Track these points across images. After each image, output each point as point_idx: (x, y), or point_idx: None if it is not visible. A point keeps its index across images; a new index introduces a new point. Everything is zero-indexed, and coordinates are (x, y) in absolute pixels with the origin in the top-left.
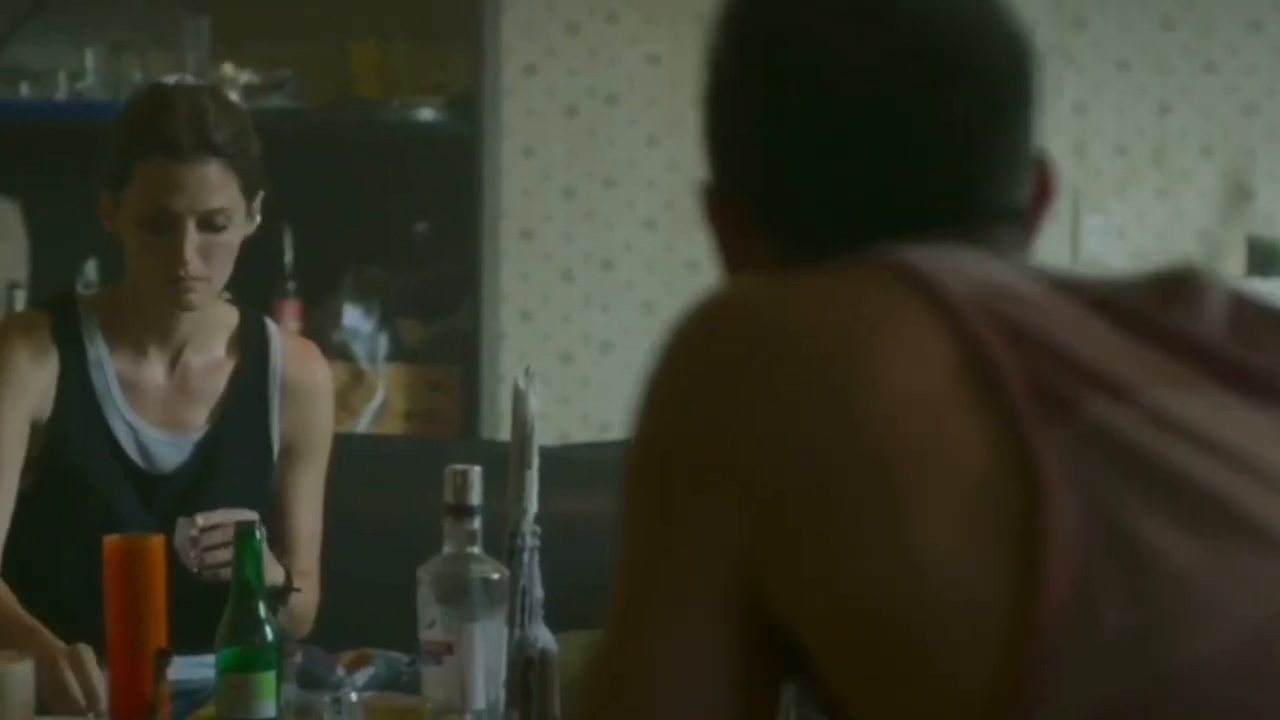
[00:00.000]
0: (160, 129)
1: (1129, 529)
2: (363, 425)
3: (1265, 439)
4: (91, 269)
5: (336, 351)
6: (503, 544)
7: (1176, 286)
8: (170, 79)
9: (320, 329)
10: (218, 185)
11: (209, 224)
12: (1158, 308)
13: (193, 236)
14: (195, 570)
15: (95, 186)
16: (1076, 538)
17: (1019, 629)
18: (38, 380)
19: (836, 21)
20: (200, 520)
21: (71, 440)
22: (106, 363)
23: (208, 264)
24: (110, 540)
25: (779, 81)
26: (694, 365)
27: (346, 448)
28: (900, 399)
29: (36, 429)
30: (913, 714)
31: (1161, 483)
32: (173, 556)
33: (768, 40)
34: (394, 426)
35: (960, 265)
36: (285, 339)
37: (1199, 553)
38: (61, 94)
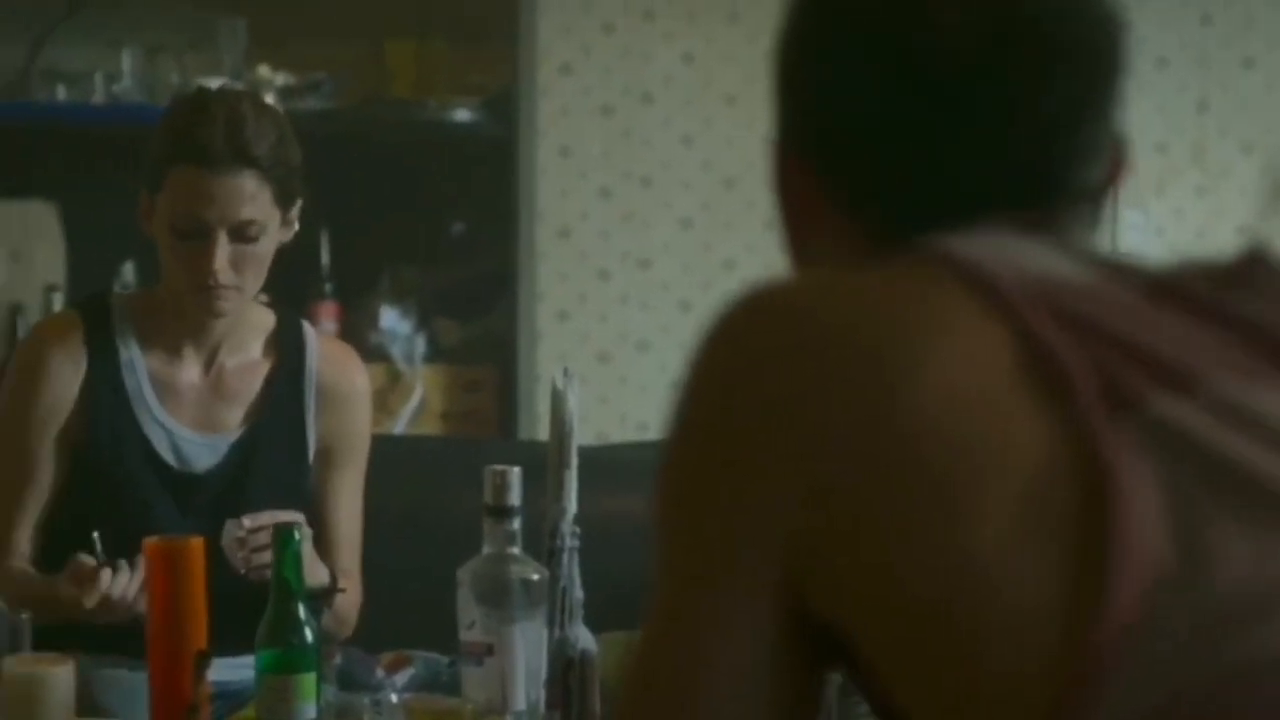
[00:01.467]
0: (195, 136)
1: (1193, 525)
2: (400, 426)
3: None
4: (129, 271)
5: (374, 353)
6: (542, 544)
7: (1240, 271)
8: (213, 83)
9: (357, 330)
10: (250, 197)
11: (240, 235)
12: (1221, 293)
13: (223, 246)
14: (243, 571)
15: (137, 187)
16: (1144, 534)
17: (1082, 624)
18: (69, 383)
19: None
20: (247, 522)
21: (104, 442)
22: (139, 364)
23: (239, 273)
24: (150, 542)
25: (869, 46)
26: (738, 355)
27: (386, 448)
28: (952, 394)
29: (70, 431)
30: (967, 704)
31: (1224, 478)
32: (212, 558)
33: (856, 6)
34: (432, 427)
35: (1017, 258)
36: (322, 342)
37: (1260, 550)
38: (98, 96)
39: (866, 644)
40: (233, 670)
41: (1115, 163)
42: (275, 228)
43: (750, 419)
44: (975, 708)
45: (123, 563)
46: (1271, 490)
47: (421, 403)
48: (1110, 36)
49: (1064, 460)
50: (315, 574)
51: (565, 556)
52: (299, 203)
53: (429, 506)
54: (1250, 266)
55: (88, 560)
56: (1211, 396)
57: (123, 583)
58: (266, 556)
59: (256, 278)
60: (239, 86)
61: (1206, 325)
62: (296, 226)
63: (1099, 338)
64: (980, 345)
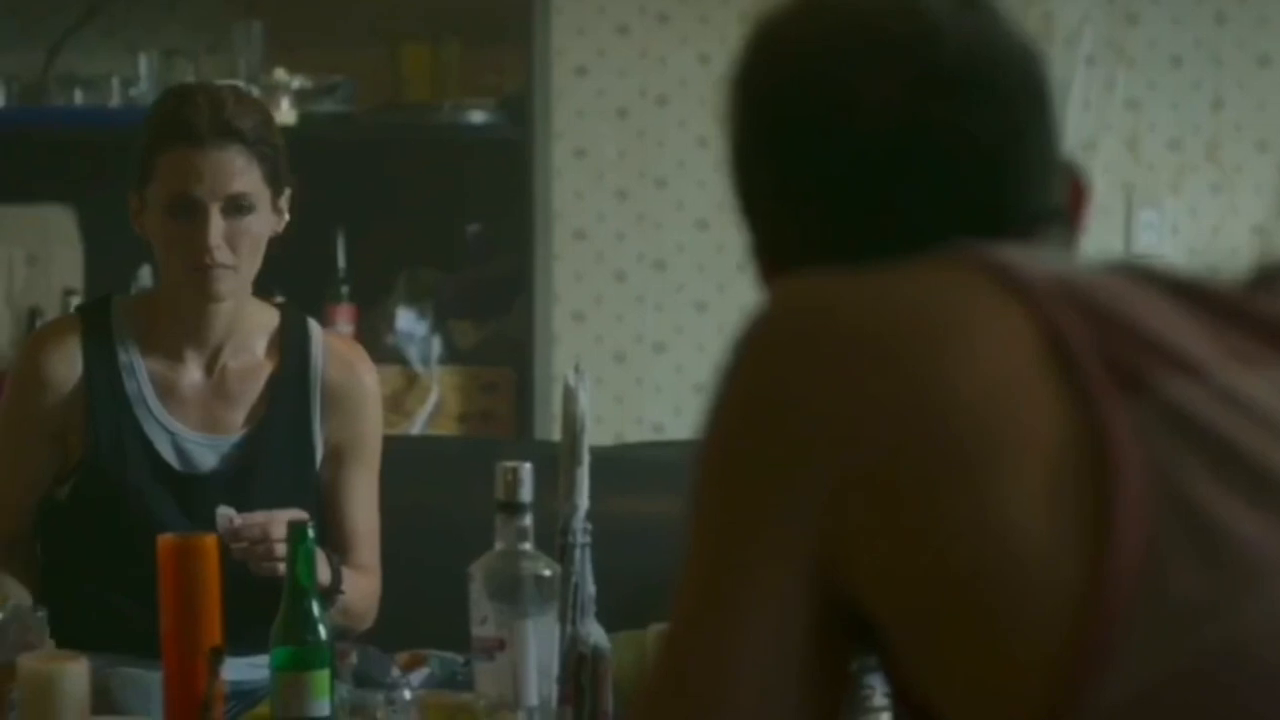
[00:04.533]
0: (180, 118)
1: (1196, 499)
2: (417, 428)
3: None
4: (146, 274)
5: (390, 355)
6: (555, 541)
7: (1259, 277)
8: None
9: (374, 332)
10: (240, 170)
11: (233, 210)
12: (1235, 292)
13: (216, 222)
14: (241, 560)
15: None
16: (1145, 506)
17: (1090, 595)
18: (62, 386)
19: (849, 63)
20: (237, 520)
21: (105, 445)
22: (139, 366)
23: (234, 252)
24: (164, 539)
25: (804, 132)
26: (770, 357)
27: (403, 449)
28: (979, 379)
29: (70, 435)
30: (988, 683)
31: (1226, 457)
32: (226, 558)
33: (787, 95)
34: (448, 429)
35: (1031, 254)
36: (328, 340)
37: (1260, 525)
38: (115, 100)
39: (895, 626)
40: (249, 670)
41: (1076, 189)
42: (267, 209)
43: (786, 413)
44: (997, 681)
45: None
46: (1263, 467)
47: (438, 404)
48: (1026, 67)
49: (1078, 439)
50: (319, 573)
51: (577, 553)
52: (288, 191)
53: (446, 506)
54: (1267, 273)
55: None
56: (1218, 382)
57: None
58: (268, 551)
59: (251, 259)
60: (253, 93)
61: (1220, 319)
62: (287, 216)
63: (1112, 323)
64: (1005, 333)
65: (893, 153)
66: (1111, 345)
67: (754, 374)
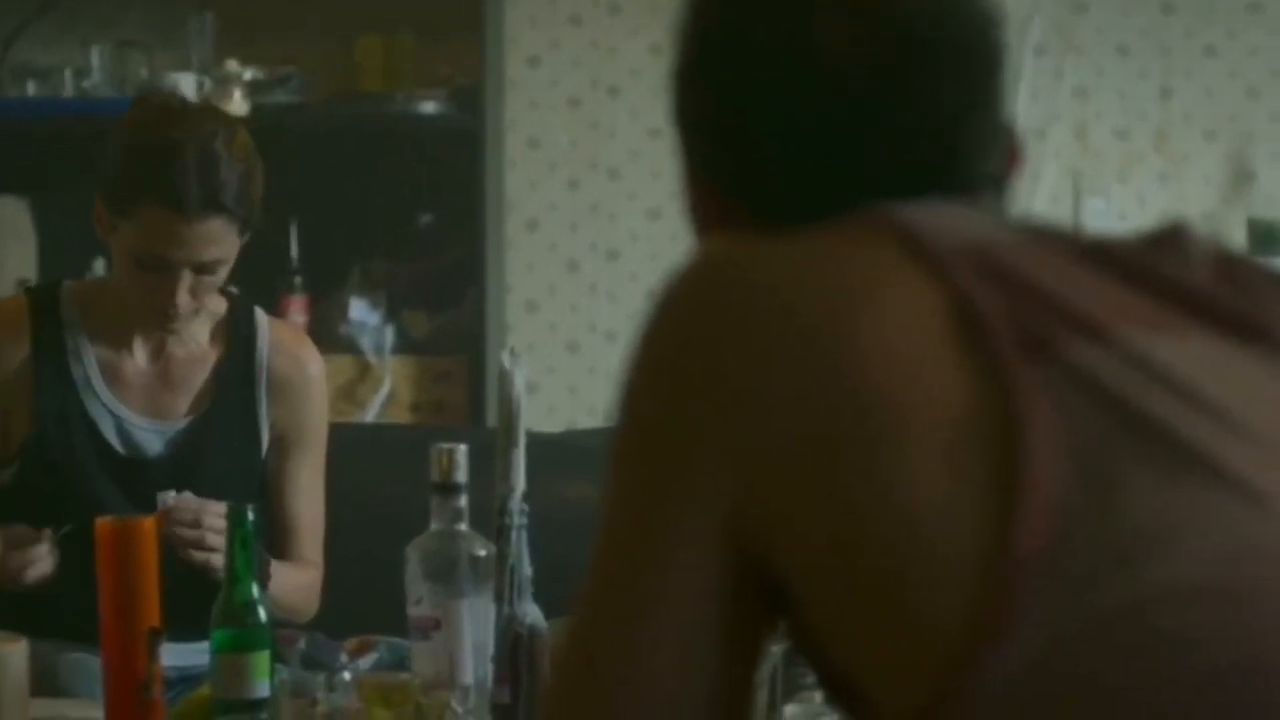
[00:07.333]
0: (167, 180)
1: (1102, 462)
2: (370, 417)
3: (1244, 379)
4: (100, 266)
5: (343, 344)
6: (491, 522)
7: (1164, 239)
8: (176, 87)
9: (327, 322)
10: (218, 239)
11: (203, 269)
12: (1143, 255)
13: (186, 281)
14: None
15: (94, 190)
16: (1053, 468)
17: (997, 557)
18: (8, 365)
19: (807, 5)
20: (171, 500)
21: (49, 428)
22: (86, 350)
23: (196, 299)
24: (102, 522)
25: (753, 70)
26: (679, 326)
27: (356, 437)
28: (887, 346)
29: (15, 416)
30: (896, 650)
31: (1133, 422)
32: (167, 543)
33: (739, 30)
34: (401, 418)
35: (945, 218)
36: (274, 328)
37: (1164, 487)
38: (68, 92)
39: (809, 600)
40: (191, 655)
41: (1011, 154)
42: (234, 254)
43: (693, 389)
44: (903, 649)
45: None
46: (1175, 435)
47: (391, 394)
48: (986, 33)
49: (985, 406)
50: None
51: (514, 534)
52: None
53: (398, 494)
54: (1172, 235)
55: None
56: (1124, 346)
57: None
58: (199, 538)
59: (211, 295)
60: (200, 94)
61: (1126, 282)
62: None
63: (1019, 290)
64: (912, 300)
65: (835, 105)
66: (1019, 311)
67: (669, 336)
